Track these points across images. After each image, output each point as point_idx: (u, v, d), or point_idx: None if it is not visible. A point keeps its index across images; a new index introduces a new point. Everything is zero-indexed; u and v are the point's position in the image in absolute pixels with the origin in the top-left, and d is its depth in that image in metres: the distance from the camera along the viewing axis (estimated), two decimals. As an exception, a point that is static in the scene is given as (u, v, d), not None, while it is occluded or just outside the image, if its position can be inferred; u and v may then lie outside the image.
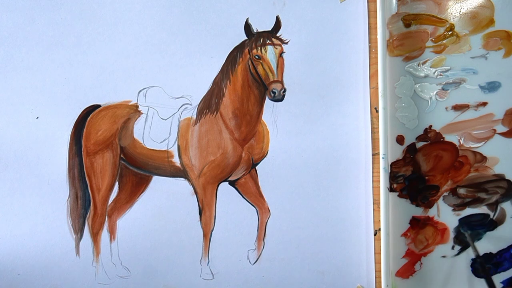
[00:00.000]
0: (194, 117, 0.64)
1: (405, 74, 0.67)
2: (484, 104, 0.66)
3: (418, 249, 0.66)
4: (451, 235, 0.66)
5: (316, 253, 0.63)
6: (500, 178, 0.66)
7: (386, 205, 0.64)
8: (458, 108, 0.66)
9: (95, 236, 0.62)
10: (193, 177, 0.63)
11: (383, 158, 0.64)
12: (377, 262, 0.64)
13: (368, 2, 0.66)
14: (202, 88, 0.64)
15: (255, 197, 0.64)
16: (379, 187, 0.64)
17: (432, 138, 0.66)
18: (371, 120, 0.65)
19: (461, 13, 0.67)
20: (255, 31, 0.65)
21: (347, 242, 0.64)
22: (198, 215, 0.63)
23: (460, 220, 0.66)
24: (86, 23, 0.63)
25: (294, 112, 0.65)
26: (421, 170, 0.66)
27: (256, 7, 0.65)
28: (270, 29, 0.65)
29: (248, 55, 0.64)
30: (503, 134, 0.66)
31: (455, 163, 0.67)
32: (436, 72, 0.67)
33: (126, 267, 0.62)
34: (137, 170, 0.63)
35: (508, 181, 0.66)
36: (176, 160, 0.63)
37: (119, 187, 0.63)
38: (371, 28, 0.66)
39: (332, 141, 0.65)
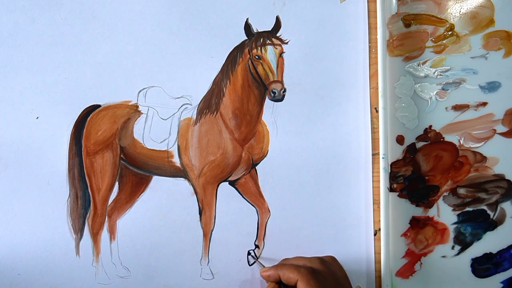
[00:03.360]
0: (194, 117, 0.64)
1: (405, 74, 0.67)
2: (484, 104, 0.66)
3: (418, 249, 0.66)
4: (451, 235, 0.66)
5: (316, 253, 0.63)
6: (500, 178, 0.66)
7: (386, 205, 0.64)
8: (458, 108, 0.66)
9: (95, 236, 0.62)
10: (193, 177, 0.63)
11: (383, 158, 0.64)
12: (377, 262, 0.64)
13: (368, 2, 0.66)
14: (202, 88, 0.64)
15: (255, 197, 0.64)
16: (379, 187, 0.64)
17: (432, 138, 0.67)
18: (371, 120, 0.65)
19: (461, 13, 0.67)
20: (255, 31, 0.65)
21: (347, 242, 0.64)
22: (198, 215, 0.63)
23: (460, 220, 0.66)
24: (86, 23, 0.63)
25: (294, 112, 0.65)
26: (421, 170, 0.66)
27: (256, 7, 0.65)
28: (270, 29, 0.65)
29: (248, 55, 0.64)
30: (503, 134, 0.66)
31: (455, 163, 0.67)
32: (436, 72, 0.67)
33: (126, 267, 0.62)
34: (137, 170, 0.63)
35: (508, 181, 0.66)
36: (176, 160, 0.63)
37: (119, 187, 0.63)
38: (371, 28, 0.66)
39: (332, 141, 0.65)
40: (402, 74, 0.67)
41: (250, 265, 0.64)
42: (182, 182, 0.64)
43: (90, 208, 0.62)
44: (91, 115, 0.63)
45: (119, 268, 0.62)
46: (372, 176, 0.65)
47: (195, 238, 0.63)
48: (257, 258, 0.63)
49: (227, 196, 0.64)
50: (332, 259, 0.60)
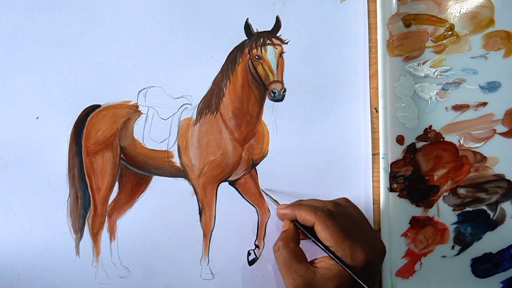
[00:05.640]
0: (194, 117, 0.64)
1: (405, 74, 0.67)
2: (484, 104, 0.66)
3: (418, 249, 0.66)
4: (451, 235, 0.66)
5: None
6: (500, 178, 0.66)
7: (386, 205, 0.64)
8: (458, 108, 0.66)
9: (95, 236, 0.62)
10: (193, 177, 0.63)
11: (383, 158, 0.64)
12: (377, 262, 0.64)
13: (368, 2, 0.66)
14: (202, 88, 0.64)
15: (255, 197, 0.64)
16: (379, 187, 0.64)
17: (432, 138, 0.67)
18: (371, 120, 0.65)
19: (461, 13, 0.67)
20: (255, 31, 0.65)
21: (347, 242, 0.64)
22: (198, 215, 0.63)
23: (460, 220, 0.66)
24: (86, 23, 0.63)
25: (294, 112, 0.65)
26: (421, 170, 0.66)
27: (256, 7, 0.65)
28: (270, 29, 0.65)
29: (248, 55, 0.64)
30: (503, 134, 0.66)
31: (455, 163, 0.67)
32: (436, 72, 0.67)
33: (126, 267, 0.62)
34: (137, 170, 0.63)
35: (508, 181, 0.66)
36: (176, 160, 0.63)
37: (119, 187, 0.63)
38: (371, 28, 0.66)
39: (332, 141, 0.65)
40: (402, 74, 0.67)
41: (250, 265, 0.64)
42: (182, 182, 0.64)
43: (90, 208, 0.62)
44: (91, 115, 0.63)
45: (119, 268, 0.62)
46: (372, 176, 0.65)
47: (195, 238, 0.63)
48: (267, 194, 0.63)
49: (227, 196, 0.64)
50: (346, 200, 0.60)
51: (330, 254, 0.52)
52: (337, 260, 0.51)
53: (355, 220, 0.56)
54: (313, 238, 0.55)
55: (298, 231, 0.58)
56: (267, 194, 0.63)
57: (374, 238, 0.57)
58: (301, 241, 0.58)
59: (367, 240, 0.54)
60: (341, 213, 0.55)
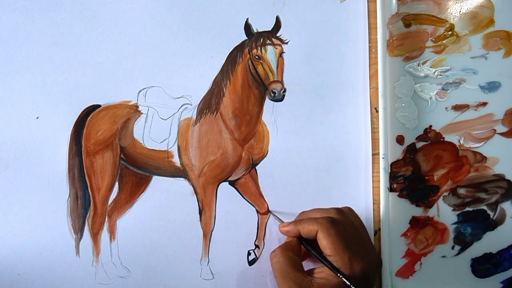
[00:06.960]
0: (194, 117, 0.64)
1: (405, 74, 0.67)
2: (484, 104, 0.66)
3: (418, 249, 0.66)
4: (451, 235, 0.66)
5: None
6: (500, 178, 0.66)
7: (386, 205, 0.64)
8: (458, 108, 0.66)
9: (95, 236, 0.62)
10: (193, 177, 0.63)
11: (383, 158, 0.64)
12: (377, 262, 0.64)
13: (368, 2, 0.66)
14: (202, 88, 0.64)
15: (255, 197, 0.64)
16: (379, 187, 0.64)
17: (432, 138, 0.67)
18: (371, 120, 0.66)
19: (461, 13, 0.67)
20: (255, 31, 0.65)
21: (347, 242, 0.64)
22: (198, 215, 0.63)
23: (460, 220, 0.66)
24: (86, 23, 0.63)
25: (294, 112, 0.65)
26: (421, 170, 0.66)
27: (256, 7, 0.65)
28: (270, 29, 0.65)
29: (248, 55, 0.64)
30: (503, 134, 0.66)
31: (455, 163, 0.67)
32: (436, 72, 0.67)
33: (126, 267, 0.62)
34: (137, 170, 0.63)
35: (508, 181, 0.66)
36: (176, 160, 0.63)
37: (119, 187, 0.63)
38: (371, 28, 0.66)
39: (332, 141, 0.65)
40: (402, 74, 0.67)
41: (250, 265, 0.64)
42: (182, 182, 0.64)
43: (90, 208, 0.62)
44: (91, 115, 0.63)
45: (119, 268, 0.62)
46: (372, 176, 0.65)
47: (195, 238, 0.63)
48: (274, 214, 0.63)
49: (227, 196, 0.64)
50: (349, 209, 0.61)
51: (331, 267, 0.52)
52: (337, 273, 0.51)
53: (356, 230, 0.57)
54: (313, 251, 0.55)
55: (299, 244, 0.58)
56: (273, 215, 0.63)
57: (372, 250, 0.57)
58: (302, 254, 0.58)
59: (366, 251, 0.54)
60: (344, 222, 0.56)
